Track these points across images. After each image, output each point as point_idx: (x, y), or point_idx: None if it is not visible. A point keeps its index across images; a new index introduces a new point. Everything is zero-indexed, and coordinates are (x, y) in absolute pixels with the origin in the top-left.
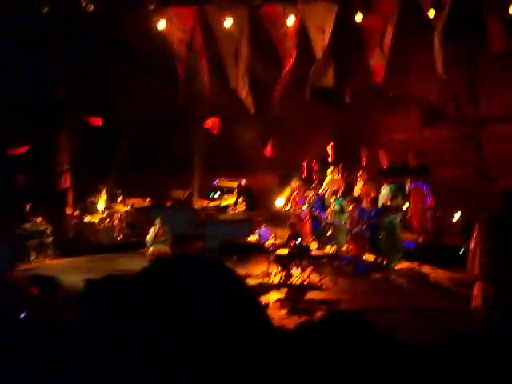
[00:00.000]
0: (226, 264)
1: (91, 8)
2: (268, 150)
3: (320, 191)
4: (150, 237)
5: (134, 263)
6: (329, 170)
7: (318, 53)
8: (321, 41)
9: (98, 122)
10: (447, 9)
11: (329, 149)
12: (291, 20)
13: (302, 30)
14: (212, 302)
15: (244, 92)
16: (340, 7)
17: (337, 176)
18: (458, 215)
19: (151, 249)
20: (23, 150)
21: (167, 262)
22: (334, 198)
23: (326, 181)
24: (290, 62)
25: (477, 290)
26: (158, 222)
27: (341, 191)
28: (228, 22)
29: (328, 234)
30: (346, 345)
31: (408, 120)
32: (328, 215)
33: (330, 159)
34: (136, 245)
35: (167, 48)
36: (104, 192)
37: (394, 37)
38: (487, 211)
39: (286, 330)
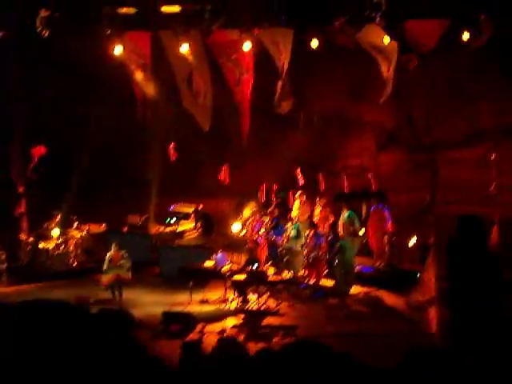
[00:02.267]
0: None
1: (47, 33)
2: (223, 175)
3: (293, 216)
4: (106, 262)
5: (86, 290)
6: (297, 195)
7: (280, 76)
8: (280, 64)
9: (41, 151)
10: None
11: (297, 174)
12: (247, 45)
13: (259, 54)
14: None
15: (199, 112)
16: (295, 33)
17: (303, 200)
18: (413, 240)
19: (108, 274)
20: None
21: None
22: (290, 223)
23: (296, 205)
24: (248, 87)
25: (432, 315)
26: (113, 246)
27: (306, 216)
28: (183, 48)
29: (285, 259)
30: (308, 371)
31: (364, 145)
32: (284, 240)
33: (299, 184)
34: (92, 270)
35: (124, 72)
36: (59, 217)
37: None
38: (443, 236)
39: (245, 356)
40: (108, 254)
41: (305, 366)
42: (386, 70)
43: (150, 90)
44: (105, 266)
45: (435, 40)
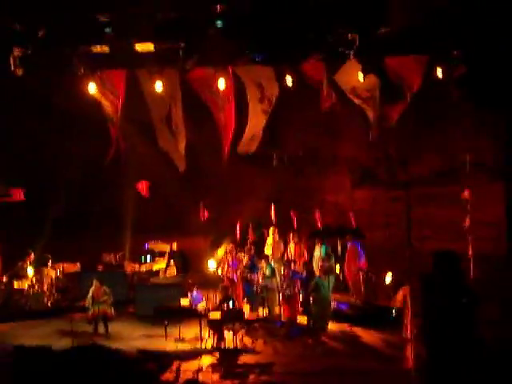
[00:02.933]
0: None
1: (20, 72)
2: (201, 214)
3: (266, 253)
4: (88, 298)
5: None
6: (270, 232)
7: (251, 113)
8: (256, 101)
9: (19, 196)
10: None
11: (271, 211)
12: (222, 83)
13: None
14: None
15: (175, 152)
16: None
17: (277, 237)
18: (389, 276)
19: (91, 310)
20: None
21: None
22: (265, 260)
23: (269, 242)
24: (231, 123)
25: (409, 351)
26: (95, 282)
27: (280, 253)
28: (158, 86)
29: (260, 297)
30: None
31: (339, 181)
32: (260, 278)
33: (273, 221)
34: (66, 309)
35: (99, 111)
36: (32, 256)
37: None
38: (418, 273)
39: None
40: (90, 291)
41: None
42: (370, 111)
43: (124, 128)
44: (87, 303)
45: (420, 76)
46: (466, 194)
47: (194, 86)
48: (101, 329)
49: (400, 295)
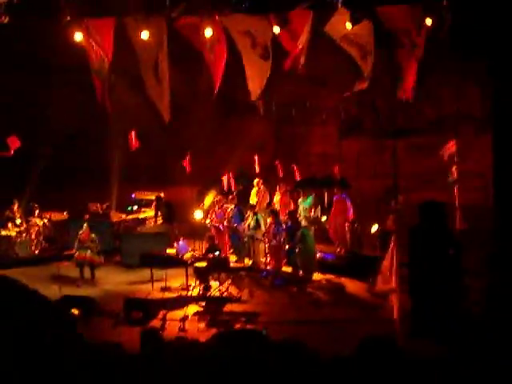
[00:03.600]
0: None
1: (6, 20)
2: (187, 164)
3: (251, 202)
4: (76, 241)
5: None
6: (255, 182)
7: (247, 61)
8: (249, 48)
9: (16, 143)
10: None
11: (255, 161)
12: (209, 32)
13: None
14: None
15: (161, 101)
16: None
17: (262, 187)
18: (375, 227)
19: (77, 253)
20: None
21: None
22: (250, 211)
23: (254, 192)
24: (220, 69)
25: (393, 301)
26: (84, 226)
27: (265, 203)
28: (145, 35)
29: (246, 246)
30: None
31: (327, 131)
32: (245, 228)
33: (256, 171)
34: (53, 258)
35: (84, 61)
36: (18, 205)
37: (308, 48)
38: (404, 223)
39: (197, 342)
40: (79, 233)
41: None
42: (360, 58)
43: (111, 78)
44: (75, 245)
45: (415, 26)
46: (454, 143)
47: (181, 33)
48: (88, 274)
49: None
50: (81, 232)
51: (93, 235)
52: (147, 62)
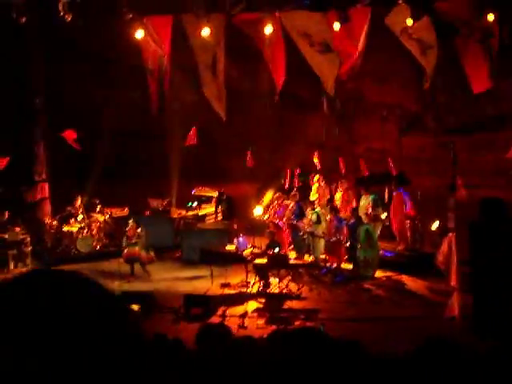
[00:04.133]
0: (88, 276)
1: (69, 18)
2: (248, 160)
3: (311, 199)
4: (124, 240)
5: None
6: (315, 178)
7: (310, 60)
8: (308, 47)
9: (72, 135)
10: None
11: (315, 158)
12: (269, 29)
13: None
14: (74, 316)
15: (216, 99)
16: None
17: (322, 184)
18: (436, 224)
19: (125, 250)
20: (3, 162)
21: (22, 279)
22: (310, 207)
23: (314, 188)
24: (282, 68)
25: (455, 299)
26: (130, 222)
27: (326, 199)
28: (205, 31)
29: (306, 243)
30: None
31: (386, 128)
32: (306, 224)
33: (317, 167)
34: (114, 253)
35: (141, 61)
36: (81, 201)
37: (368, 45)
38: (465, 220)
39: (255, 339)
40: (126, 230)
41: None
42: (420, 54)
43: (171, 75)
44: (123, 242)
45: (474, 17)
46: None
47: (242, 30)
48: (141, 270)
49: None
50: (127, 228)
51: (139, 230)
52: (205, 59)
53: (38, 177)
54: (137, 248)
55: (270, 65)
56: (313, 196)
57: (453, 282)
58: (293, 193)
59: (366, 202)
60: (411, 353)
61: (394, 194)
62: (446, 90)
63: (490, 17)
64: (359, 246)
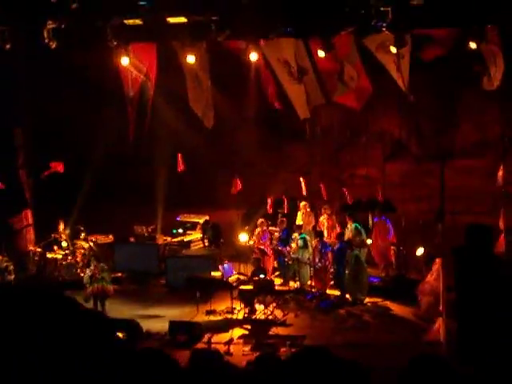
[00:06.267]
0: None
1: (54, 45)
2: (234, 187)
3: (297, 224)
4: (86, 278)
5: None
6: (301, 205)
7: (287, 87)
8: (287, 75)
9: (59, 168)
10: (409, 46)
11: (302, 183)
12: (254, 56)
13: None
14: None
15: (203, 108)
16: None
17: (308, 210)
18: (421, 250)
19: (89, 289)
20: None
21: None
22: (297, 232)
23: (299, 215)
24: (269, 92)
25: (439, 324)
26: (92, 261)
27: (311, 226)
28: (190, 59)
29: (292, 269)
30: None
31: (371, 154)
32: (291, 250)
33: (303, 194)
34: None
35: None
36: (64, 227)
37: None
38: (450, 246)
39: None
40: (88, 270)
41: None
42: (395, 70)
43: (156, 101)
44: (85, 281)
45: (448, 48)
46: (500, 166)
47: (228, 57)
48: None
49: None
50: (91, 268)
51: (103, 265)
52: (192, 82)
53: (22, 204)
54: (103, 283)
55: (255, 91)
56: (298, 222)
57: (440, 308)
58: (280, 219)
59: (350, 229)
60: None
61: (376, 220)
62: (429, 117)
63: (473, 44)
64: (347, 272)
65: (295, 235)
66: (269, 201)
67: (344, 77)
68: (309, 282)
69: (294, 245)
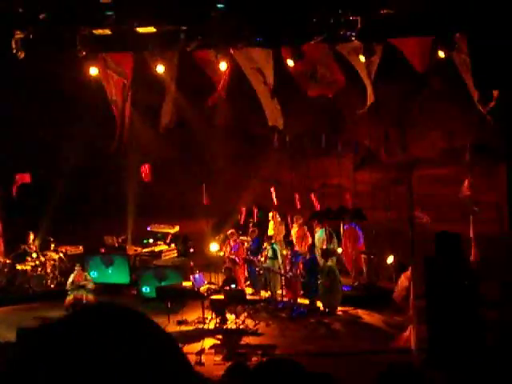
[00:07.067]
0: (146, 315)
1: (22, 55)
2: (203, 197)
3: (269, 234)
4: (69, 283)
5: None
6: (270, 215)
7: (261, 95)
8: (261, 84)
9: (26, 178)
10: (378, 55)
11: (273, 193)
12: (223, 65)
13: (237, 73)
14: (132, 354)
15: (164, 108)
16: (274, 52)
17: (278, 220)
18: (391, 258)
19: (71, 296)
20: None
21: (86, 312)
22: (268, 242)
23: (271, 225)
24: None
25: (410, 332)
26: (77, 267)
27: (282, 235)
28: (160, 68)
29: (263, 278)
30: None
31: (341, 163)
32: (262, 260)
33: (274, 203)
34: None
35: (101, 94)
36: (34, 239)
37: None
38: (420, 254)
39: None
40: (71, 276)
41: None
42: (366, 77)
43: (127, 110)
44: (67, 287)
45: (426, 58)
46: (469, 174)
47: (197, 66)
48: None
49: (403, 284)
50: (74, 274)
51: (86, 274)
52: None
53: None
54: (84, 292)
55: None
56: (270, 232)
57: (409, 314)
58: (251, 229)
59: (319, 236)
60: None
61: (346, 227)
62: (397, 125)
63: (441, 54)
64: (320, 282)
65: (265, 245)
66: (242, 210)
67: (317, 75)
68: (279, 292)
69: (264, 254)
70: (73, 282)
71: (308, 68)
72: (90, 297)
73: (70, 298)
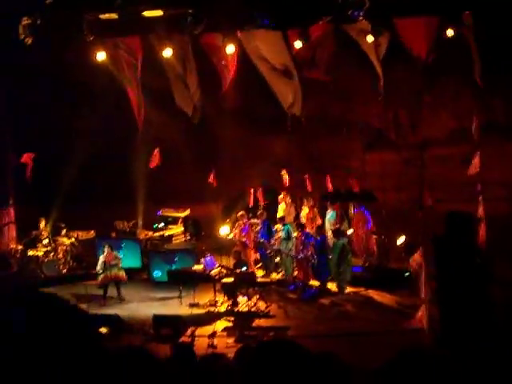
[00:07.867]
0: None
1: (30, 41)
2: (212, 180)
3: (278, 216)
4: (100, 264)
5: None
6: (280, 197)
7: (272, 82)
8: (266, 67)
9: (27, 159)
10: (386, 36)
11: (283, 174)
12: (231, 48)
13: (244, 57)
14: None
15: (189, 104)
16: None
17: (288, 202)
18: (402, 239)
19: (102, 275)
20: None
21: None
22: (280, 224)
23: (281, 207)
24: (226, 84)
25: (422, 312)
26: (106, 248)
27: (292, 217)
28: (168, 52)
29: (275, 260)
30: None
31: (351, 145)
32: (275, 242)
33: (285, 185)
34: (81, 277)
35: (109, 79)
36: (46, 225)
37: (332, 64)
38: (431, 235)
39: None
40: (101, 257)
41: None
42: (377, 62)
43: (139, 94)
44: (98, 268)
45: (430, 39)
46: (478, 154)
47: (204, 50)
48: (113, 292)
49: (417, 257)
50: (104, 255)
51: (116, 253)
52: (174, 72)
53: (3, 202)
54: (116, 270)
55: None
56: (280, 214)
57: (422, 295)
58: (260, 211)
59: (330, 217)
60: (384, 365)
61: (355, 211)
62: (407, 106)
63: (450, 32)
64: (331, 260)
65: (278, 226)
66: (249, 193)
67: (315, 58)
68: (291, 273)
69: (277, 236)
70: (104, 263)
71: (308, 54)
72: (122, 273)
73: (102, 276)
